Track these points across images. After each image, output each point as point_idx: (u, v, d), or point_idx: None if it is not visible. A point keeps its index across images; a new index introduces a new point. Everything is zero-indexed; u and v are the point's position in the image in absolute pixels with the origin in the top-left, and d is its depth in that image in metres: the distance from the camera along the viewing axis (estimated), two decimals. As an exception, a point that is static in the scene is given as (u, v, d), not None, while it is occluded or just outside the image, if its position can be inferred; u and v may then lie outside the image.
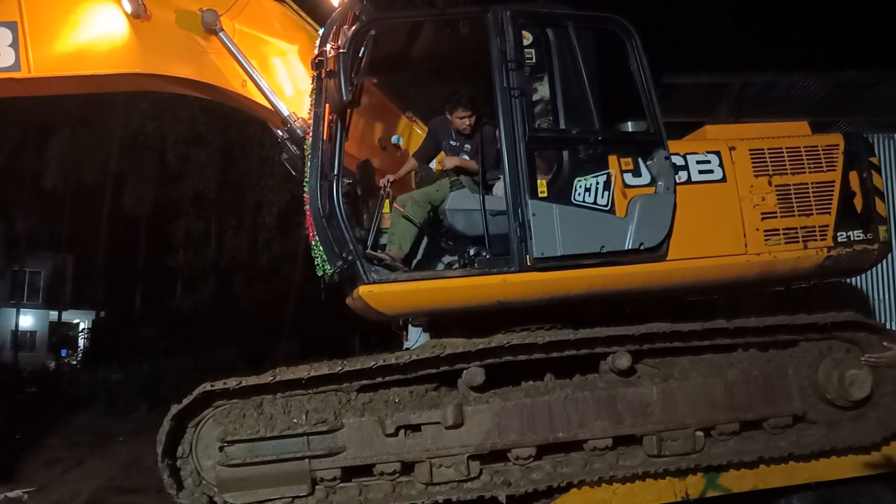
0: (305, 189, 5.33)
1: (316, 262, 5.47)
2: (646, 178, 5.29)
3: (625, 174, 5.26)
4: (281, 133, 6.00)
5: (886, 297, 9.66)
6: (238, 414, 4.65)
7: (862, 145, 5.71)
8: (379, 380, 4.77)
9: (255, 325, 21.06)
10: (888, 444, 5.34)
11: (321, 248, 4.95)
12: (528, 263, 5.03)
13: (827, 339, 5.22)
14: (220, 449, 4.65)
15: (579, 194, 5.12)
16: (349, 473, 4.82)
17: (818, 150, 5.60)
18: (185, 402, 4.53)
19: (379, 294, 4.93)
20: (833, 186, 5.57)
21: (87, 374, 20.09)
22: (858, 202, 5.60)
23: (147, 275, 24.56)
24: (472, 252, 5.21)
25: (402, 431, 4.77)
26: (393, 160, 6.36)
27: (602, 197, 5.16)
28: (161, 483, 8.78)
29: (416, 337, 10.12)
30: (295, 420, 4.66)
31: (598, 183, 5.17)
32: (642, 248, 5.12)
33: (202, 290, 22.02)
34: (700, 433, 5.02)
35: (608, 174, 5.19)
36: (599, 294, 5.33)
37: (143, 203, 22.11)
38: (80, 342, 26.43)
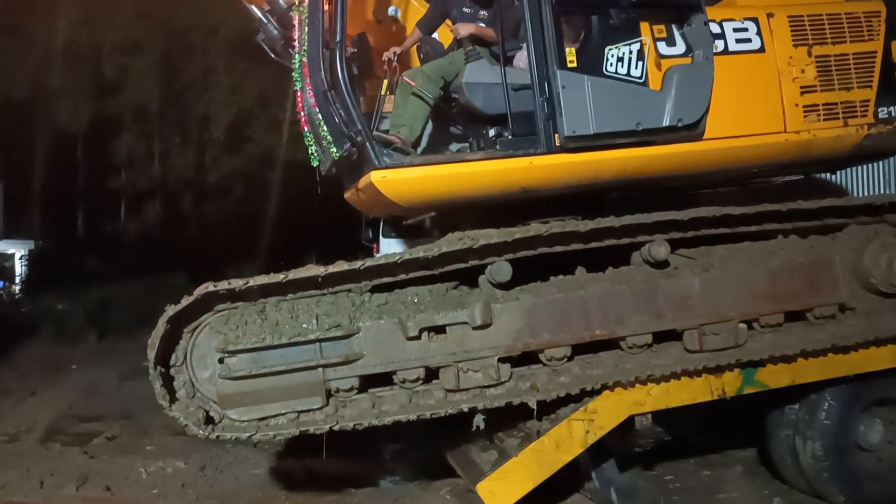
0: (295, 68, 4.66)
1: (310, 153, 4.85)
2: (681, 47, 4.76)
3: (658, 43, 4.70)
4: (259, 9, 5.23)
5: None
6: (239, 321, 4.05)
7: (904, 12, 5.23)
8: (401, 276, 4.21)
9: (207, 246, 20.17)
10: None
11: (325, 128, 4.31)
12: (557, 144, 4.48)
13: (875, 223, 4.83)
14: (221, 360, 4.07)
15: (611, 64, 4.56)
16: (365, 383, 4.30)
17: (859, 18, 5.13)
18: (184, 303, 3.90)
19: (393, 181, 4.33)
20: (874, 58, 5.13)
21: (29, 304, 19.05)
22: (901, 74, 5.17)
23: (88, 198, 23.19)
24: (491, 133, 4.63)
25: (425, 334, 4.24)
26: (390, 36, 5.63)
27: (636, 68, 4.61)
28: (126, 408, 8.15)
29: (387, 249, 9.63)
30: (305, 325, 4.08)
31: (630, 52, 4.60)
32: (680, 125, 4.60)
33: (148, 212, 20.89)
34: (743, 326, 4.63)
35: (641, 42, 4.62)
36: (629, 179, 4.84)
37: (78, 120, 20.56)
38: (18, 273, 25.10)
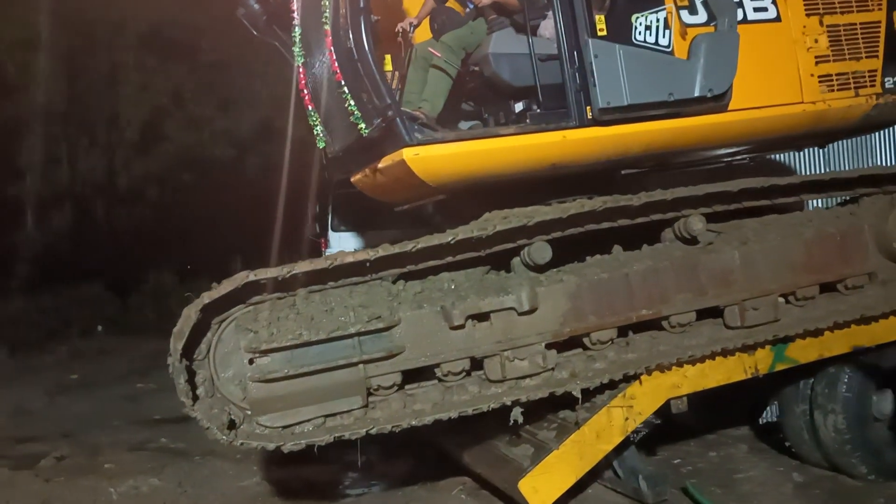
0: (295, 42, 4.26)
1: (316, 133, 4.46)
2: (702, 15, 4.60)
3: (681, 11, 4.53)
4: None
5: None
6: (270, 316, 3.62)
7: (903, -18, 5.26)
8: (448, 259, 3.88)
9: (121, 254, 19.00)
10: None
11: (353, 103, 3.91)
12: (590, 116, 4.24)
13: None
14: (251, 361, 3.63)
15: (640, 33, 4.36)
16: (406, 379, 3.95)
17: (863, -13, 5.11)
18: (223, 290, 3.45)
19: (426, 158, 3.98)
20: (879, 28, 5.12)
21: (-77, 322, 17.49)
22: (903, 45, 5.19)
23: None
24: (518, 107, 4.35)
25: (469, 322, 3.93)
26: (387, 7, 5.25)
27: (663, 36, 4.43)
28: (64, 426, 7.42)
29: (337, 244, 9.20)
30: (342, 318, 3.70)
31: (658, 20, 4.42)
32: (710, 94, 4.44)
33: (55, 219, 19.50)
34: (781, 300, 4.52)
35: (666, 10, 4.44)
36: (651, 154, 4.67)
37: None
38: None
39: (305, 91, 4.43)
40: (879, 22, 5.11)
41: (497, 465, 4.66)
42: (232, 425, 3.73)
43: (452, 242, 3.74)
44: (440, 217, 5.45)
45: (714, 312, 4.53)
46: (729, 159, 5.99)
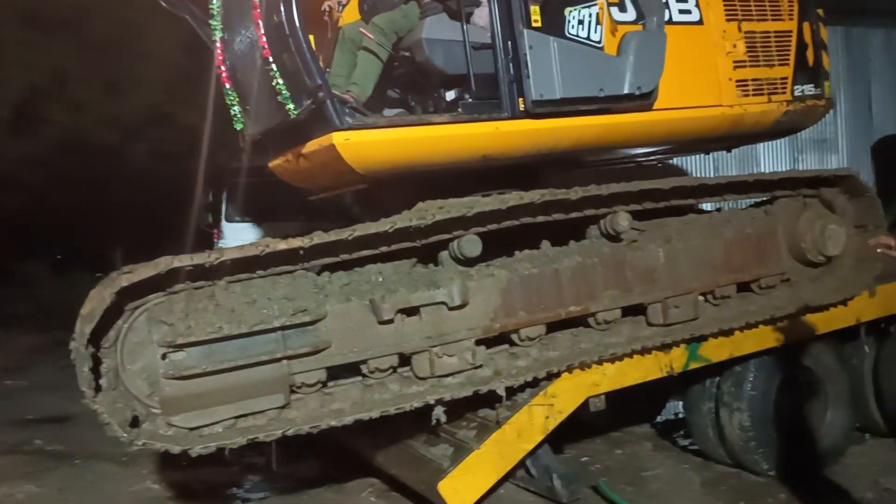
0: (214, 14, 3.99)
1: (233, 114, 4.19)
2: (632, 13, 4.61)
3: (611, 7, 4.52)
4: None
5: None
6: (187, 308, 3.34)
7: (812, -5, 5.46)
8: (383, 249, 3.69)
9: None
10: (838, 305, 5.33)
11: (281, 82, 3.66)
12: (522, 108, 4.15)
13: (811, 197, 5.00)
14: (164, 357, 3.33)
15: (572, 27, 4.31)
16: (331, 376, 3.75)
17: (777, -3, 5.27)
18: (144, 274, 3.13)
19: (357, 144, 3.78)
20: (790, 37, 5.29)
21: None
22: (810, 55, 5.38)
23: None
24: (450, 96, 4.22)
25: (398, 316, 3.76)
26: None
27: (595, 32, 4.39)
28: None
29: (232, 235, 8.83)
30: (266, 311, 3.45)
31: (590, 15, 4.38)
32: (638, 92, 4.45)
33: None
34: (701, 298, 4.59)
35: (597, 5, 4.42)
36: (583, 148, 4.64)
37: None
38: None
39: (223, 68, 4.14)
40: (791, 31, 5.28)
41: (413, 466, 4.49)
42: (135, 423, 3.41)
43: (391, 231, 3.56)
44: (359, 208, 5.25)
45: (635, 311, 4.55)
46: (642, 160, 6.09)
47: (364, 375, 3.83)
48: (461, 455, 4.19)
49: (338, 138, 3.73)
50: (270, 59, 3.64)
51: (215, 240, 9.18)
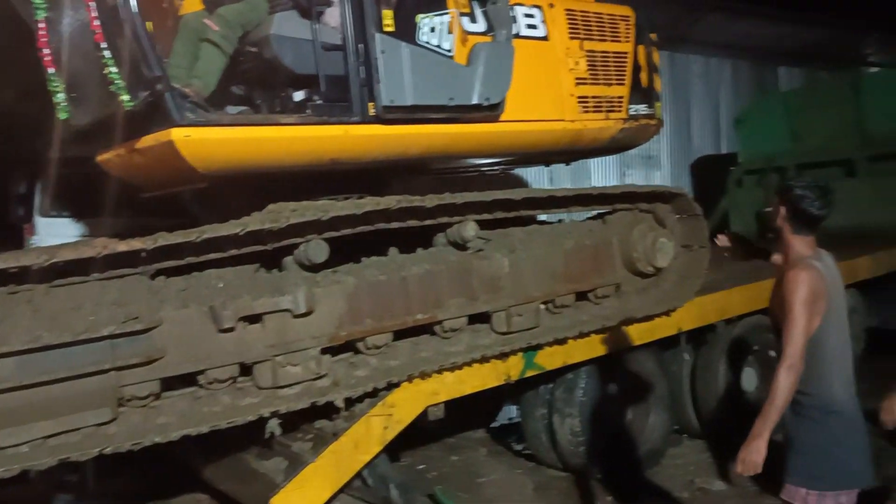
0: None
1: (56, 101, 3.85)
2: (482, 24, 4.67)
3: (462, 17, 4.57)
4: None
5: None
6: (2, 314, 3.00)
7: (646, 20, 5.76)
8: (232, 252, 3.49)
9: None
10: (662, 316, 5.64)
11: (115, 71, 3.38)
12: (373, 113, 4.10)
13: (645, 211, 5.26)
14: (-29, 369, 2.98)
15: (424, 34, 4.30)
16: (167, 387, 3.51)
17: (616, 19, 5.52)
18: None
19: (198, 141, 3.56)
20: (626, 58, 5.56)
21: None
22: (644, 77, 5.69)
23: None
24: (298, 96, 4.09)
25: (240, 324, 3.58)
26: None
27: (446, 41, 4.41)
28: None
29: (46, 231, 8.16)
30: (93, 318, 3.17)
31: (441, 23, 4.39)
32: (486, 103, 4.51)
33: None
34: (543, 307, 4.71)
35: (449, 14, 4.45)
36: (431, 156, 4.66)
37: None
38: None
39: (46, 51, 3.78)
40: (628, 53, 5.55)
41: (246, 481, 4.25)
42: None
43: (242, 234, 3.38)
44: (197, 207, 4.97)
45: (481, 319, 4.60)
46: (485, 169, 6.20)
47: (201, 386, 3.61)
48: (296, 468, 3.99)
49: (177, 134, 3.50)
50: (103, 45, 3.35)
51: (27, 236, 8.41)
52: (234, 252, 3.55)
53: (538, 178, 9.99)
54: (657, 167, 11.66)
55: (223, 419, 3.59)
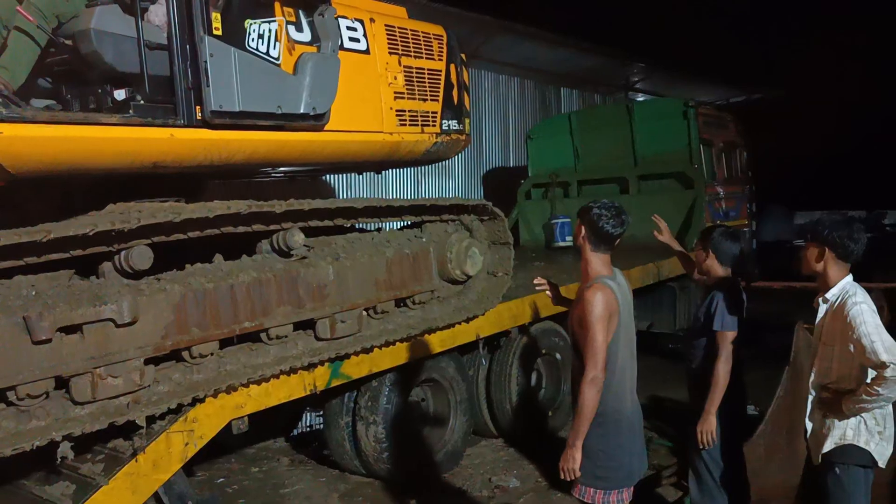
0: None
1: None
2: (307, 34, 4.71)
3: (289, 25, 4.58)
4: None
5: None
6: None
7: (456, 41, 6.08)
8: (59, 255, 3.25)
9: None
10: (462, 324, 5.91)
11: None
12: (199, 117, 4.01)
13: (454, 222, 5.53)
14: None
15: (253, 40, 4.28)
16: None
17: (430, 38, 5.78)
18: None
19: (9, 139, 3.28)
20: (440, 76, 5.84)
21: None
22: (455, 94, 6.00)
23: None
24: (120, 95, 3.90)
25: (57, 335, 3.35)
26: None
27: (274, 48, 4.41)
28: None
29: None
30: None
31: (269, 30, 4.39)
32: (313, 113, 4.57)
33: None
34: (365, 313, 4.83)
35: (277, 22, 4.45)
36: (255, 163, 4.62)
37: None
38: None
39: None
40: (441, 71, 5.83)
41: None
42: None
43: (91, 234, 3.17)
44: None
45: (305, 327, 4.62)
46: (294, 174, 6.21)
47: (11, 403, 3.33)
48: (86, 493, 3.71)
49: (-11, 132, 3.21)
50: None
51: None
52: (79, 253, 3.33)
53: (337, 186, 10.07)
54: (450, 177, 12.14)
55: (7, 446, 3.25)
